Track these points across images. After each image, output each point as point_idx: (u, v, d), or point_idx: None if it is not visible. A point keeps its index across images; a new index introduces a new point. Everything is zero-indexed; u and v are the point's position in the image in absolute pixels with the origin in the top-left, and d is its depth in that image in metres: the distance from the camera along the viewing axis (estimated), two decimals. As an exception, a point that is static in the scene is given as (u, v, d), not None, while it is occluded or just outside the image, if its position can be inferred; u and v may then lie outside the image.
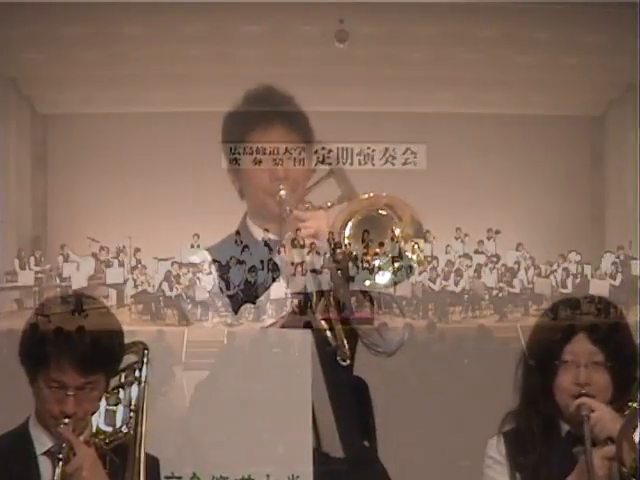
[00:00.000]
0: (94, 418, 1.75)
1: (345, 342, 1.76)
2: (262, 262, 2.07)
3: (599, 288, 7.43)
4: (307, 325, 1.81)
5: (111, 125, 7.83)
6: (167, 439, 1.71)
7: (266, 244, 1.88)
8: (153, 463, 1.78)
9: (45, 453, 1.80)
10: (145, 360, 1.78)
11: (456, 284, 7.59)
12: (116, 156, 7.91)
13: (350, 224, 1.77)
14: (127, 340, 1.79)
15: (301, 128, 1.98)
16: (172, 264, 7.79)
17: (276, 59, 7.49)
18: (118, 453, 1.77)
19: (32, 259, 7.83)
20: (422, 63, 7.40)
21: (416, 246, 1.76)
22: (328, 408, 1.75)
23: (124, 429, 1.78)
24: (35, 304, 7.31)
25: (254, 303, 1.92)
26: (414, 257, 1.73)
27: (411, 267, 1.77)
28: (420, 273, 8.20)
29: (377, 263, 1.74)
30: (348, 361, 1.74)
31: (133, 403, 1.80)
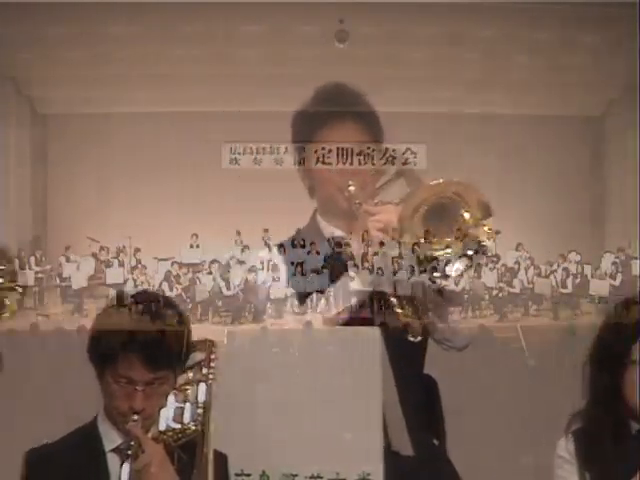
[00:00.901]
0: (162, 415, 1.75)
1: (415, 317, 1.76)
2: (262, 262, 2.05)
3: (599, 288, 7.44)
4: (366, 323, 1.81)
5: (111, 125, 7.84)
6: (236, 436, 1.71)
7: (334, 242, 1.86)
8: (222, 460, 1.78)
9: (114, 450, 1.80)
10: (212, 357, 1.78)
11: (456, 284, 7.58)
12: (117, 156, 7.92)
13: (419, 213, 1.74)
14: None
15: (371, 126, 1.96)
16: (172, 264, 7.81)
17: (276, 59, 7.50)
18: (186, 450, 1.76)
19: (32, 259, 7.84)
20: (422, 63, 7.41)
21: (487, 229, 1.73)
22: (398, 406, 1.74)
23: (192, 426, 1.78)
24: (35, 304, 7.32)
25: (322, 293, 1.90)
26: (487, 241, 1.71)
27: (484, 252, 1.75)
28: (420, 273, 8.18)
29: (445, 251, 1.71)
30: (419, 338, 1.73)
31: (201, 400, 1.80)
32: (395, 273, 1.82)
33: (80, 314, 6.98)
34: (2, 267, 1.76)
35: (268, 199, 8.10)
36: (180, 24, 6.77)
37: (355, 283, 1.91)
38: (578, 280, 7.57)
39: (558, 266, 7.71)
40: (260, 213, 7.76)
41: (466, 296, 7.68)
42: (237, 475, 1.70)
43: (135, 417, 1.71)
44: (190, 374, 1.76)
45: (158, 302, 1.84)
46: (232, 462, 1.71)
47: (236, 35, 7.06)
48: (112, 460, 1.77)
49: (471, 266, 1.79)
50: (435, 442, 1.87)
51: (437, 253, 1.76)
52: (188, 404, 1.74)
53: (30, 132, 8.38)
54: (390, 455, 1.69)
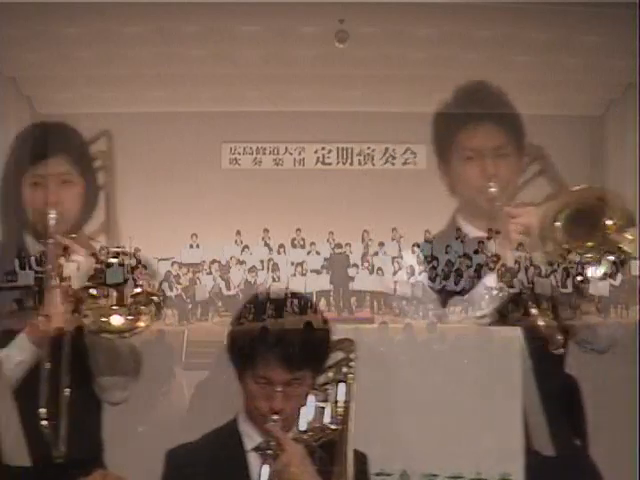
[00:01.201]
0: (302, 415, 1.76)
1: (555, 321, 1.76)
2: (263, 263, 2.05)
3: (599, 288, 7.42)
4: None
5: (111, 125, 7.82)
6: (376, 436, 1.71)
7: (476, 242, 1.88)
8: (362, 460, 1.79)
9: (254, 449, 1.81)
10: (352, 357, 1.79)
11: (456, 284, 7.58)
12: (116, 156, 7.90)
13: (561, 217, 1.74)
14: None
15: (512, 128, 1.97)
16: (172, 264, 7.80)
17: (276, 59, 7.49)
18: (326, 449, 1.77)
19: (32, 259, 7.81)
20: (422, 63, 7.40)
21: (629, 236, 1.74)
22: (539, 405, 1.74)
23: (332, 426, 1.78)
24: (35, 304, 7.31)
25: (462, 295, 1.93)
26: (628, 248, 1.72)
27: (624, 260, 1.77)
28: (420, 273, 8.18)
29: (586, 256, 1.72)
30: (562, 350, 1.73)
31: (341, 400, 1.80)
32: (531, 275, 1.83)
33: (80, 314, 6.97)
34: (143, 279, 1.78)
35: (268, 199, 8.11)
36: (179, 24, 6.76)
37: (493, 284, 1.94)
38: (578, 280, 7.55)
39: (558, 266, 7.69)
40: (260, 213, 7.76)
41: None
42: (377, 475, 1.71)
43: (275, 417, 1.72)
44: (330, 374, 1.76)
45: (302, 303, 1.84)
46: (372, 462, 1.71)
47: (236, 35, 7.05)
48: (253, 459, 1.78)
49: (614, 272, 1.81)
50: (577, 442, 1.85)
51: (579, 258, 1.77)
52: (328, 404, 1.74)
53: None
54: (531, 455, 1.68)
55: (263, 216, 7.67)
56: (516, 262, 1.77)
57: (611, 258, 1.77)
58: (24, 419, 1.66)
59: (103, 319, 1.72)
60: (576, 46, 7.06)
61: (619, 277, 1.85)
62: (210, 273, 7.43)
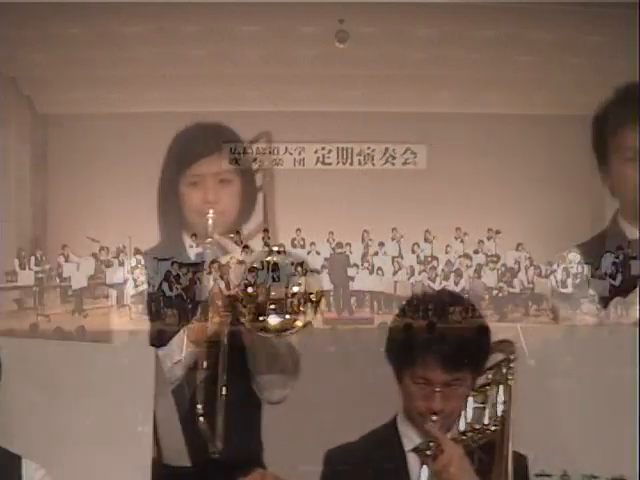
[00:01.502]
0: (462, 416, 1.75)
1: None
2: (262, 263, 2.06)
3: (599, 288, 7.41)
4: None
5: (111, 125, 7.83)
6: (535, 437, 1.70)
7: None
8: (521, 461, 1.78)
9: (413, 450, 1.80)
10: (512, 358, 1.77)
11: (456, 284, 7.59)
12: (116, 156, 7.91)
13: None
14: None
15: None
16: (172, 264, 7.77)
17: (276, 59, 7.49)
18: (486, 451, 1.76)
19: (33, 259, 7.84)
20: (422, 63, 7.40)
21: None
22: None
23: (491, 427, 1.77)
24: (35, 304, 7.31)
25: (625, 297, 1.92)
26: None
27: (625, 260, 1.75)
28: (420, 273, 8.23)
29: None
30: None
31: (500, 401, 1.80)
32: None
33: (80, 314, 6.98)
34: (301, 277, 1.76)
35: (268, 199, 8.10)
36: (179, 24, 6.76)
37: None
38: (578, 280, 7.55)
39: (558, 266, 7.69)
40: (260, 213, 7.75)
41: (466, 296, 7.68)
42: (537, 475, 1.69)
43: (434, 418, 1.71)
44: (489, 375, 1.75)
45: (462, 304, 1.83)
46: (531, 463, 1.70)
47: (236, 35, 7.05)
48: (412, 460, 1.77)
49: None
50: None
51: None
52: (487, 405, 1.73)
53: (30, 132, 8.37)
54: None
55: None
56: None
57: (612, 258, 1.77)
58: (183, 419, 1.66)
59: (261, 318, 1.72)
60: (578, 46, 7.06)
61: (619, 277, 1.85)
62: (210, 273, 7.40)
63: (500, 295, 7.50)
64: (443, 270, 7.84)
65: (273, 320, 1.64)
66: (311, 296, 1.71)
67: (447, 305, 1.86)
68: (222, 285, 1.79)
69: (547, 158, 8.07)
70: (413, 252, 7.97)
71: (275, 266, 1.71)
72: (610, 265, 7.48)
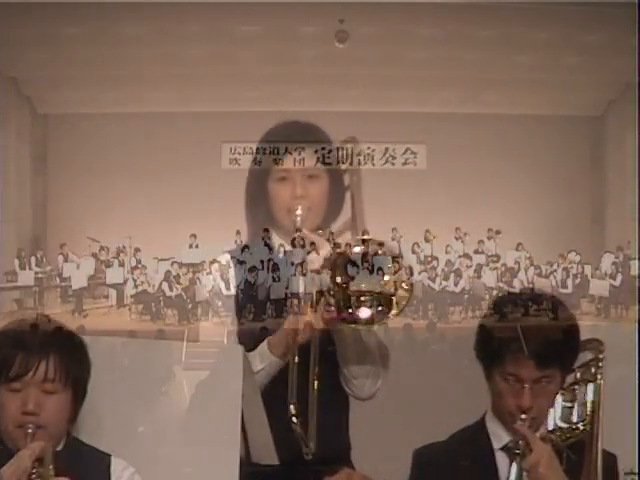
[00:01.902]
0: (550, 414, 1.74)
1: None
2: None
3: (599, 288, 7.42)
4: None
5: (111, 125, 7.83)
6: (625, 435, 1.69)
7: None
8: (611, 460, 1.77)
9: (502, 448, 1.79)
10: (601, 357, 1.76)
11: (456, 284, 7.59)
12: (116, 156, 7.91)
13: None
14: None
15: None
16: (172, 264, 7.80)
17: (276, 59, 7.49)
18: (575, 450, 1.75)
19: (33, 259, 7.84)
20: (422, 63, 7.41)
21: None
22: None
23: (580, 426, 1.76)
24: (35, 304, 7.31)
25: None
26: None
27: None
28: (419, 273, 8.23)
29: None
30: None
31: (589, 400, 1.78)
32: None
33: (80, 314, 6.98)
34: (394, 264, 1.75)
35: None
36: (179, 24, 6.76)
37: None
38: (578, 280, 7.56)
39: (558, 266, 7.70)
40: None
41: (466, 296, 7.69)
42: (627, 474, 1.68)
43: (523, 416, 1.69)
44: (578, 374, 1.74)
45: (548, 302, 1.81)
46: (621, 462, 1.69)
47: (236, 35, 7.05)
48: (501, 458, 1.75)
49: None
50: None
51: None
52: (576, 404, 1.72)
53: (30, 132, 8.37)
54: None
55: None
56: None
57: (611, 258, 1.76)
58: (272, 419, 1.65)
59: (350, 311, 1.70)
60: (576, 46, 7.06)
61: (619, 277, 1.84)
62: (210, 273, 7.41)
63: (500, 295, 7.49)
64: (443, 270, 7.85)
65: (363, 313, 1.63)
66: (398, 290, 1.71)
67: (535, 303, 1.86)
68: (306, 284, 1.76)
69: (547, 158, 8.07)
70: (413, 252, 7.98)
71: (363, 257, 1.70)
72: (610, 265, 7.49)
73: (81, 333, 1.81)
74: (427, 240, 8.72)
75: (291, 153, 1.67)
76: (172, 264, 7.47)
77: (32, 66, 7.41)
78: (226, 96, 7.84)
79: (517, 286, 7.55)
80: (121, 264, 7.57)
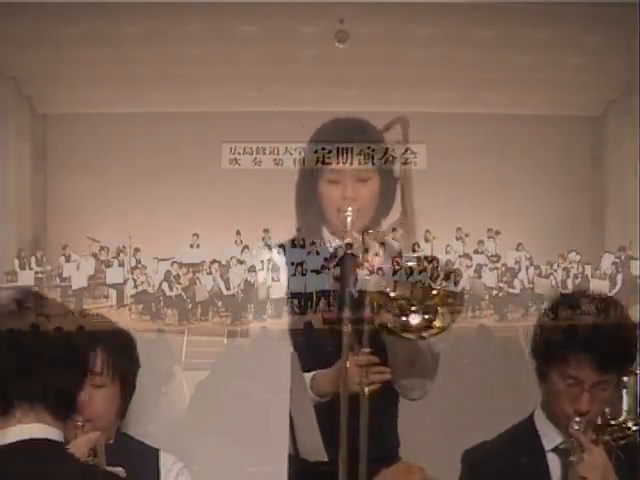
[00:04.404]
0: (604, 417, 1.73)
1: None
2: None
3: (599, 288, 7.42)
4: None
5: (111, 125, 7.83)
6: None
7: None
8: None
9: (553, 449, 1.77)
10: None
11: (456, 284, 7.57)
12: (116, 156, 7.91)
13: None
14: None
15: None
16: (172, 264, 7.80)
17: (276, 59, 7.49)
18: (627, 452, 1.74)
19: (33, 259, 7.84)
20: (422, 63, 7.40)
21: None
22: None
23: (633, 427, 1.76)
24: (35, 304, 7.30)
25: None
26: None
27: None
28: (420, 273, 8.18)
29: None
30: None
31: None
32: None
33: (80, 314, 6.97)
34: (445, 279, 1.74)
35: (268, 199, 8.09)
36: (179, 24, 6.76)
37: None
38: (578, 280, 7.56)
39: (558, 266, 7.70)
40: (260, 213, 7.75)
41: (466, 296, 7.69)
42: None
43: (578, 419, 1.67)
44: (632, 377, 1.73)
45: (611, 303, 1.78)
46: None
47: (236, 35, 7.05)
48: (552, 459, 1.73)
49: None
50: None
51: None
52: (628, 406, 1.71)
53: (30, 132, 8.37)
54: None
55: (263, 216, 7.65)
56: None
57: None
58: (320, 415, 1.65)
59: (403, 318, 1.69)
60: (576, 46, 7.06)
61: (619, 277, 1.83)
62: (210, 273, 7.42)
63: (500, 295, 7.50)
64: (443, 270, 7.81)
65: (414, 320, 1.63)
66: (449, 299, 1.70)
67: (595, 304, 1.83)
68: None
69: (547, 158, 8.06)
70: (413, 252, 7.96)
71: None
72: (610, 265, 7.49)
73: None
74: (427, 240, 8.71)
75: (341, 154, 1.67)
76: (172, 264, 7.47)
77: (32, 66, 7.41)
78: (226, 96, 7.84)
79: (517, 286, 7.55)
80: (121, 264, 7.57)
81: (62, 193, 8.35)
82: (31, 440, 1.06)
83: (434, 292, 1.62)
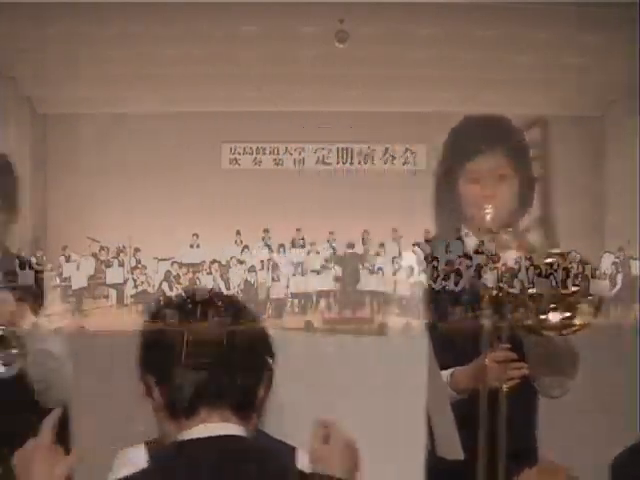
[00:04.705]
0: None
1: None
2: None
3: (599, 288, 7.41)
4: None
5: (111, 125, 7.83)
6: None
7: None
8: None
9: None
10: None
11: (456, 284, 7.58)
12: (116, 156, 7.92)
13: None
14: None
15: None
16: (172, 264, 7.80)
17: (276, 59, 7.49)
18: None
19: (33, 259, 7.81)
20: (422, 63, 7.40)
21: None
22: None
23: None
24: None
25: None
26: None
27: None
28: (419, 273, 8.17)
29: None
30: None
31: None
32: None
33: (80, 314, 6.97)
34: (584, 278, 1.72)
35: (268, 199, 8.11)
36: (180, 24, 6.76)
37: None
38: (578, 280, 7.54)
39: (558, 266, 7.69)
40: (260, 213, 7.76)
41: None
42: None
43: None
44: None
45: None
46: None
47: (236, 35, 7.05)
48: None
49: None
50: None
51: None
52: None
53: (30, 132, 8.37)
54: None
55: (263, 216, 7.65)
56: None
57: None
58: (457, 413, 1.64)
59: (542, 317, 1.68)
60: (576, 46, 7.06)
61: (619, 277, 1.83)
62: (210, 273, 7.42)
63: (500, 295, 7.49)
64: (443, 270, 7.82)
65: (553, 318, 1.62)
66: (589, 297, 1.68)
67: None
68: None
69: (547, 158, 8.05)
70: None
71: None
72: (610, 265, 7.49)
73: (82, 333, 1.80)
74: (427, 240, 8.67)
75: (483, 154, 1.65)
76: (172, 264, 7.46)
77: (32, 66, 7.41)
78: (226, 96, 7.85)
79: (517, 286, 7.54)
80: (121, 264, 7.57)
81: (62, 193, 8.35)
82: (220, 436, 1.07)
83: (573, 289, 1.60)
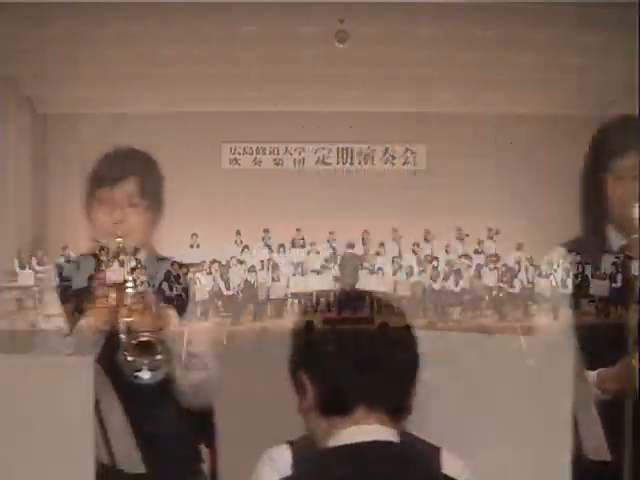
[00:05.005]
0: None
1: None
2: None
3: (599, 288, 7.40)
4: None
5: (111, 125, 7.83)
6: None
7: None
8: None
9: None
10: None
11: (456, 284, 7.59)
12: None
13: None
14: None
15: None
16: (172, 264, 7.76)
17: (276, 59, 7.49)
18: None
19: (34, 259, 7.83)
20: (422, 63, 7.40)
21: None
22: None
23: None
24: (35, 304, 7.30)
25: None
26: None
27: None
28: (420, 273, 8.22)
29: None
30: None
31: None
32: None
33: (80, 314, 6.97)
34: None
35: (268, 199, 8.11)
36: (180, 24, 6.76)
37: None
38: (578, 280, 7.54)
39: (558, 266, 7.68)
40: (260, 213, 7.76)
41: (466, 296, 7.68)
42: None
43: None
44: None
45: None
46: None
47: (236, 35, 7.05)
48: None
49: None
50: None
51: None
52: None
53: (30, 132, 8.37)
54: None
55: (263, 216, 7.65)
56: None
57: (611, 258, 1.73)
58: (603, 414, 1.65)
59: None
60: (576, 46, 7.06)
61: (619, 277, 1.81)
62: (210, 273, 7.41)
63: (500, 295, 7.50)
64: (443, 270, 7.84)
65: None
66: None
67: None
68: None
69: (547, 158, 8.07)
70: (414, 252, 7.98)
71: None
72: (610, 265, 7.49)
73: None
74: (427, 240, 8.73)
75: (631, 152, 1.64)
76: (172, 264, 7.45)
77: (32, 66, 7.41)
78: (226, 96, 7.85)
79: (517, 286, 7.55)
80: (121, 264, 7.55)
81: (62, 193, 8.35)
82: (374, 442, 1.03)
83: None
